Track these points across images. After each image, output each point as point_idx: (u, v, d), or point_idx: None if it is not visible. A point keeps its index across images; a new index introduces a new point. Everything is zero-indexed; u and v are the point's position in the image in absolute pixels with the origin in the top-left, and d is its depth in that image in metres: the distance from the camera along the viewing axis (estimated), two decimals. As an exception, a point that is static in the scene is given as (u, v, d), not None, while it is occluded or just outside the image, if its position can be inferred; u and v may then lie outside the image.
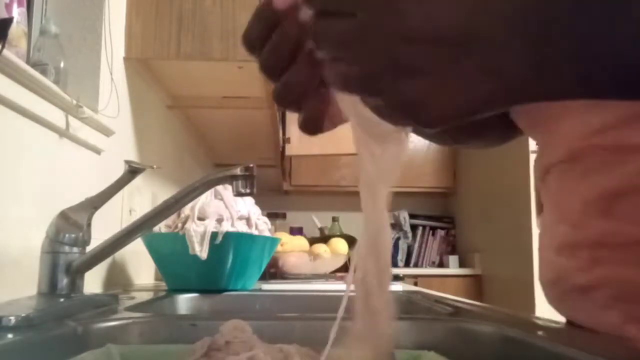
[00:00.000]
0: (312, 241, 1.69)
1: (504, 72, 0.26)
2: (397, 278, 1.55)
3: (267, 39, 0.34)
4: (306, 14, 0.32)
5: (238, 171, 0.71)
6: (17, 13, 0.85)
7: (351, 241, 1.79)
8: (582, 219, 0.48)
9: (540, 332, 0.47)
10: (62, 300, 0.64)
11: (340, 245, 1.66)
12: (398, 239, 3.37)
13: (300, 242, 1.63)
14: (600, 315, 0.46)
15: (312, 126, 0.38)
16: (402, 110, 0.28)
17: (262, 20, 0.34)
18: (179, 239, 0.99)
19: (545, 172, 0.58)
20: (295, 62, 0.34)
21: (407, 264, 3.36)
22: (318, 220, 2.86)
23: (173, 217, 1.04)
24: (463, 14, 0.26)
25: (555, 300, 0.54)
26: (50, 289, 0.65)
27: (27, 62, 0.90)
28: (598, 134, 0.46)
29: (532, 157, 2.36)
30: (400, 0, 0.27)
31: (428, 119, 0.28)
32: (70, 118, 0.93)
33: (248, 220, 1.09)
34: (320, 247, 1.58)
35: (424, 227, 3.51)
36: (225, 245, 1.00)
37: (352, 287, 0.32)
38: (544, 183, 0.59)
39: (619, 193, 0.46)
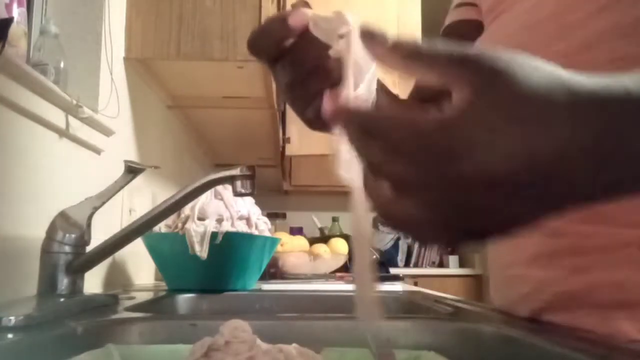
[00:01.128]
0: (312, 241, 1.69)
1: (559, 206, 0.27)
2: (397, 278, 1.55)
3: (274, 48, 0.37)
4: (317, 31, 0.34)
5: (238, 171, 0.71)
6: (17, 13, 0.85)
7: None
8: (559, 227, 0.48)
9: (540, 332, 0.46)
10: (62, 300, 0.64)
11: (340, 245, 1.66)
12: (398, 239, 3.36)
13: (300, 242, 1.63)
14: (590, 320, 0.46)
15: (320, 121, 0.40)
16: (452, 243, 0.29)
17: (272, 31, 0.36)
18: (179, 239, 0.99)
19: None
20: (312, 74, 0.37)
21: (407, 264, 3.36)
22: (318, 220, 2.86)
23: (173, 217, 1.04)
24: (525, 161, 0.25)
25: (531, 313, 0.53)
26: (50, 289, 0.65)
27: (27, 62, 0.90)
28: None
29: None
30: (464, 160, 0.26)
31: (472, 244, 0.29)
32: (70, 118, 0.93)
33: (248, 220, 1.09)
34: (320, 247, 1.58)
35: (424, 227, 3.50)
36: (225, 245, 1.00)
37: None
38: None
39: None
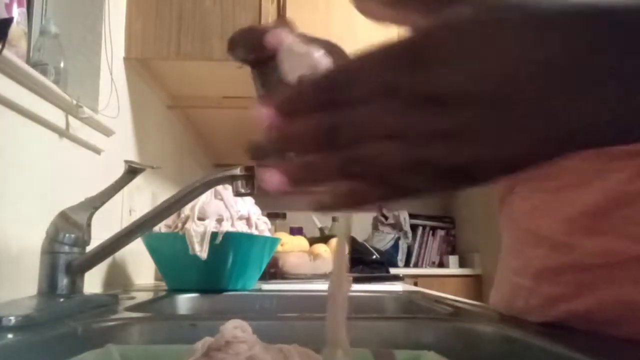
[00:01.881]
0: (312, 241, 1.68)
1: (553, 124, 0.24)
2: (397, 278, 1.55)
3: (248, 54, 0.38)
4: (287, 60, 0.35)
5: (238, 171, 0.71)
6: (17, 13, 0.85)
7: (351, 241, 1.79)
8: (564, 240, 0.47)
9: (540, 332, 0.46)
10: (62, 300, 0.64)
11: (340, 245, 1.65)
12: (398, 239, 3.36)
13: (300, 242, 1.62)
14: (600, 331, 0.45)
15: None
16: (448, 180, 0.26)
17: (249, 40, 0.38)
18: (179, 239, 0.99)
19: (508, 192, 0.55)
20: None
21: (407, 264, 3.36)
22: (318, 220, 2.86)
23: (173, 217, 1.04)
24: (517, 69, 0.23)
25: (544, 319, 0.53)
26: (50, 289, 0.65)
27: (27, 62, 0.90)
28: None
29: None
30: (440, 70, 0.24)
31: (472, 183, 0.26)
32: (70, 118, 0.93)
33: (248, 220, 1.09)
34: (320, 247, 1.58)
35: (424, 227, 3.51)
36: (225, 245, 1.00)
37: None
38: (506, 204, 0.56)
39: (604, 207, 0.44)
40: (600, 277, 0.44)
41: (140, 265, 1.30)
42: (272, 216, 2.33)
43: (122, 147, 1.21)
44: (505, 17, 0.23)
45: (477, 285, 3.08)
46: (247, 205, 1.11)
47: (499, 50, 0.23)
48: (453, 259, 3.32)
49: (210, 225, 1.00)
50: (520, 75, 0.23)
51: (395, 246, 3.34)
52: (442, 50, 0.23)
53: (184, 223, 1.02)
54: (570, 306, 0.47)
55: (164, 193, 1.48)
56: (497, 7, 0.24)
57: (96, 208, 0.71)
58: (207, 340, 0.39)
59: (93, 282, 1.00)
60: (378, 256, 1.86)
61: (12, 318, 0.47)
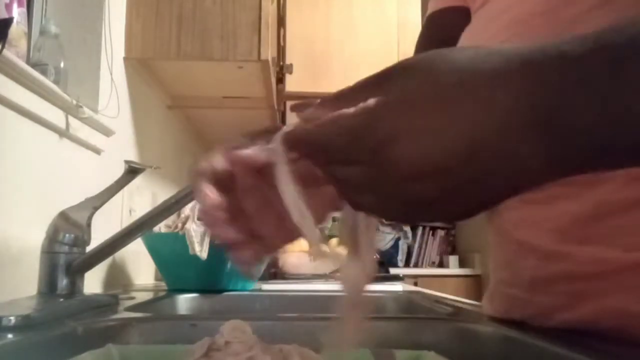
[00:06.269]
0: (312, 241, 1.68)
1: (512, 176, 0.25)
2: (397, 278, 1.55)
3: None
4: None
5: (238, 171, 0.71)
6: (17, 13, 0.85)
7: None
8: (554, 250, 0.46)
9: (540, 333, 0.46)
10: (62, 300, 0.64)
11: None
12: (398, 239, 3.36)
13: (301, 242, 1.62)
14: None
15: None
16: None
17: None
18: (179, 239, 0.99)
19: None
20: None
21: (407, 264, 3.36)
22: (318, 220, 2.86)
23: (173, 217, 1.04)
24: (457, 145, 0.24)
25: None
26: (50, 289, 0.65)
27: (27, 62, 0.90)
28: None
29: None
30: (392, 148, 0.25)
31: (447, 222, 0.30)
32: (70, 118, 0.93)
33: (248, 220, 1.09)
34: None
35: (423, 227, 3.51)
36: (225, 245, 1.00)
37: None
38: (493, 217, 0.56)
39: (594, 216, 0.43)
40: (593, 287, 0.44)
41: (140, 265, 1.30)
42: (272, 216, 2.33)
43: (122, 147, 1.21)
44: (447, 93, 0.25)
45: (477, 285, 3.08)
46: (247, 205, 1.11)
47: (440, 126, 0.24)
48: (453, 259, 3.32)
49: (210, 225, 1.00)
50: (457, 151, 0.24)
51: (395, 246, 3.35)
52: (392, 130, 0.25)
53: (184, 223, 1.02)
54: (565, 316, 0.46)
55: (164, 193, 1.48)
56: (441, 82, 0.25)
57: (96, 208, 0.71)
58: (207, 340, 0.39)
59: (93, 282, 1.00)
60: (378, 256, 1.86)
61: (12, 318, 0.47)
